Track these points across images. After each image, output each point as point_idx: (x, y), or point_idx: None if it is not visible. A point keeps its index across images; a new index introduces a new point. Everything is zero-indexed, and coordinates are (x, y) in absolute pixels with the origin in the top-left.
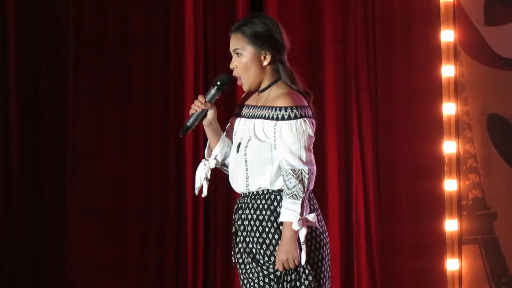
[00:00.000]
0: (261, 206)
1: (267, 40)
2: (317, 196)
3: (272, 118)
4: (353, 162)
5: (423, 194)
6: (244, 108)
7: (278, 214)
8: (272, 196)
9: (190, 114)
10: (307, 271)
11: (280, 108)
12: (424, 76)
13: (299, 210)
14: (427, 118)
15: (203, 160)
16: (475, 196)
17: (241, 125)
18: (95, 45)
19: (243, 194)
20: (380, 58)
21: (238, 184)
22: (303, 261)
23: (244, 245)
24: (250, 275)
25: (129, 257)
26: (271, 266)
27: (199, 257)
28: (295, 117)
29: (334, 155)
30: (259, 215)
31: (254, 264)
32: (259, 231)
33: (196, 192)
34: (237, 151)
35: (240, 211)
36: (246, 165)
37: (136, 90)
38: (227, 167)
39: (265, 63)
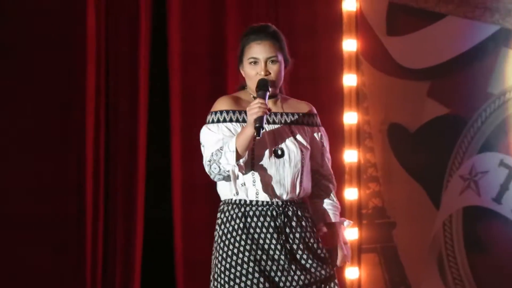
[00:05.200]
0: (306, 213)
1: (287, 54)
2: (217, 204)
3: (313, 125)
4: None
5: None
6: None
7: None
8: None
9: (256, 116)
10: None
11: (314, 115)
12: (327, 85)
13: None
14: (328, 127)
15: (234, 166)
16: (375, 205)
17: (271, 131)
18: None
19: (285, 201)
20: None
21: (287, 189)
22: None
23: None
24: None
25: (29, 265)
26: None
27: (98, 264)
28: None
29: None
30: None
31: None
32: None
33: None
34: (280, 156)
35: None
36: (302, 170)
37: (37, 96)
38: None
39: (283, 72)
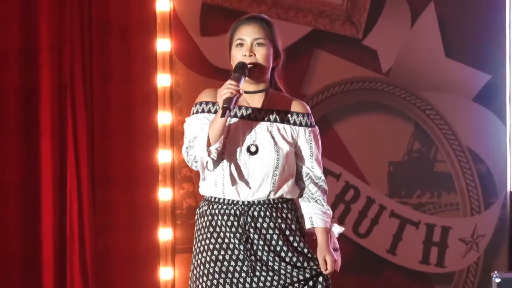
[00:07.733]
0: (284, 215)
1: (278, 45)
2: (30, 204)
3: (302, 125)
4: (67, 170)
5: (138, 203)
6: (242, 110)
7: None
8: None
9: (224, 97)
10: None
11: (305, 115)
12: (140, 85)
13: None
14: (143, 127)
15: (204, 151)
16: (188, 205)
17: (248, 128)
18: None
19: (252, 201)
20: (97, 66)
21: (254, 189)
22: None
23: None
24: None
25: None
26: (308, 271)
27: None
28: (315, 125)
29: (48, 163)
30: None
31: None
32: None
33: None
34: (253, 154)
35: (249, 219)
36: (275, 170)
37: None
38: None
39: (272, 64)
